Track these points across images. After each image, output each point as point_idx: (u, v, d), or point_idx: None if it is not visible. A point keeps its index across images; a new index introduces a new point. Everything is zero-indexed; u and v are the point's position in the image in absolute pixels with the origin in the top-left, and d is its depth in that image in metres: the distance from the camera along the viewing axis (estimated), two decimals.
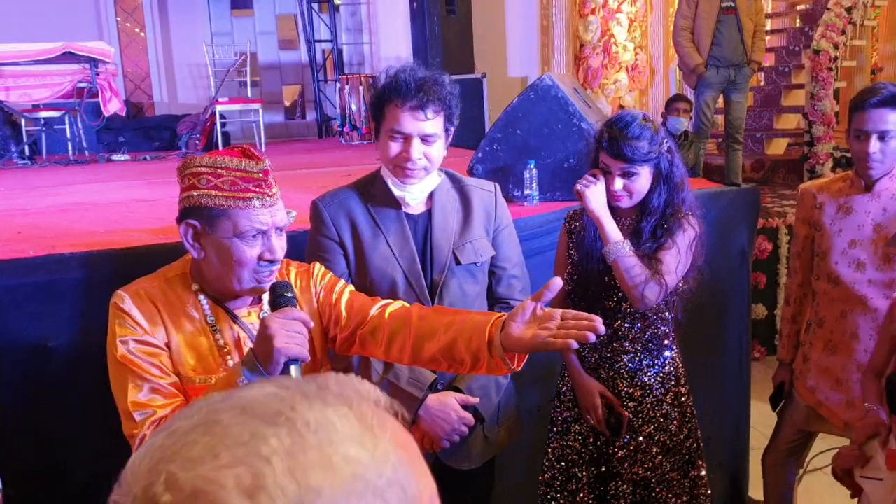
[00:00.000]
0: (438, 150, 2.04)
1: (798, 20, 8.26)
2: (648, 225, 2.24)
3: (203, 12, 9.84)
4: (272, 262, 1.64)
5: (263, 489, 0.48)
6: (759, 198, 3.60)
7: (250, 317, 1.73)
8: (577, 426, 2.45)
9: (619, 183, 2.20)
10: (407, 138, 1.99)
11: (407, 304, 1.80)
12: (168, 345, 1.65)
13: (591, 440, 2.43)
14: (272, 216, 1.61)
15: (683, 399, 2.43)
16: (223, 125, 7.57)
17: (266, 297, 1.70)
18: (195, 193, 1.59)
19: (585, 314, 1.51)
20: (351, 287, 1.84)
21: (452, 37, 7.58)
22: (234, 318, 1.71)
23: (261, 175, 1.59)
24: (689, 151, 5.70)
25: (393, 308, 1.77)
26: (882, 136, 2.51)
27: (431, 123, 1.99)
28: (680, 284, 2.32)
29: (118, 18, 9.76)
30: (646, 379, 2.38)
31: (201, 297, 1.69)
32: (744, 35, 5.91)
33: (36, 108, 7.09)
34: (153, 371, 1.61)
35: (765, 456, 3.08)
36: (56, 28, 8.05)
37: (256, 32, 10.10)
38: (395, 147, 2.01)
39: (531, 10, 8.49)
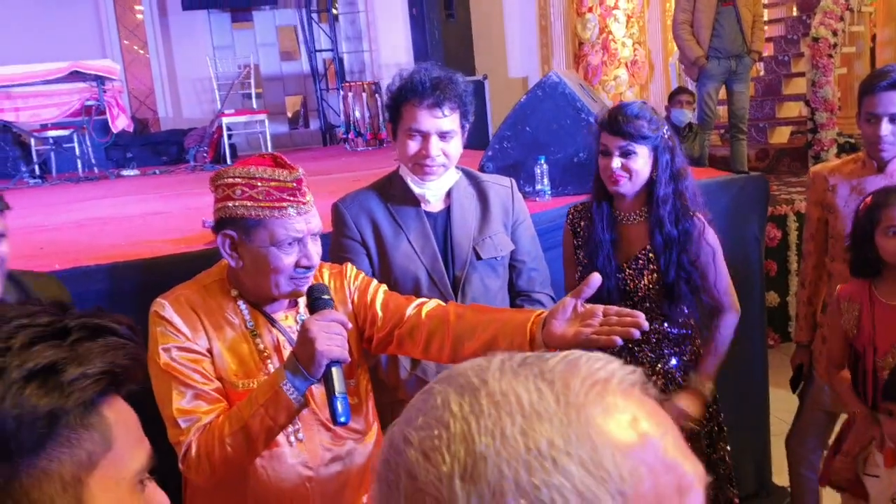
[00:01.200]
0: (456, 146, 2.09)
1: (795, 9, 8.29)
2: (666, 212, 2.27)
3: (204, 27, 9.92)
4: (309, 268, 1.66)
5: (437, 450, 0.53)
6: (768, 185, 3.63)
7: (287, 320, 1.75)
8: None
9: (617, 161, 2.24)
10: (425, 136, 2.04)
11: (442, 303, 1.82)
12: (210, 350, 1.66)
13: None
14: (307, 223, 1.63)
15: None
16: (229, 137, 7.63)
17: (302, 300, 1.72)
18: (230, 204, 1.61)
19: (627, 310, 1.53)
20: (384, 287, 1.87)
21: (452, 40, 7.64)
22: (273, 322, 1.73)
23: (294, 184, 1.61)
24: (694, 143, 5.74)
25: (429, 307, 1.78)
26: (893, 119, 2.55)
27: (448, 120, 2.04)
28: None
29: (121, 37, 9.84)
30: (667, 367, 2.41)
31: (240, 302, 1.71)
32: (743, 26, 5.94)
33: (45, 127, 7.18)
34: (196, 377, 1.63)
35: (788, 439, 3.10)
36: (60, 49, 8.11)
37: (258, 44, 10.17)
38: (413, 145, 2.05)
39: (529, 11, 8.54)
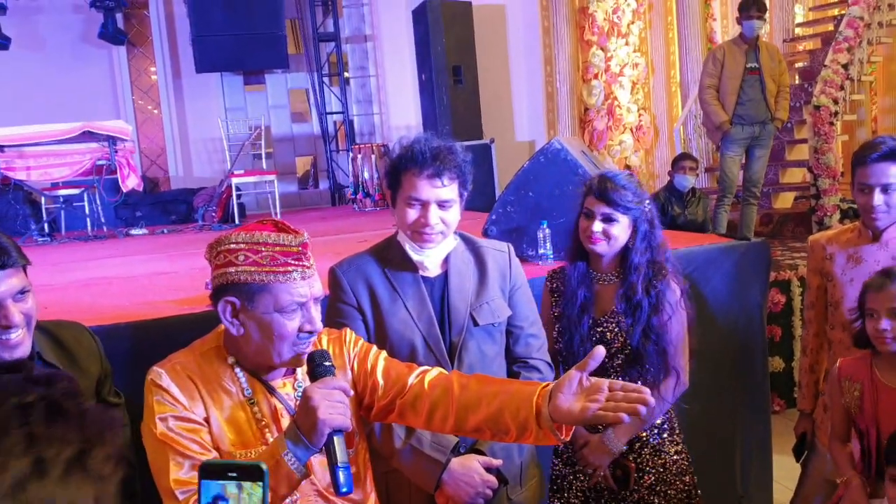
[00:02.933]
0: (454, 214, 2.11)
1: (797, 77, 8.42)
2: (640, 279, 2.35)
3: (217, 89, 10.12)
4: (312, 332, 1.64)
5: None
6: (770, 251, 3.65)
7: (286, 388, 1.72)
8: (577, 482, 2.47)
9: (598, 225, 2.34)
10: (424, 205, 2.06)
11: (444, 371, 1.81)
12: (207, 420, 1.63)
13: (593, 496, 2.45)
14: (311, 287, 1.62)
15: (679, 447, 2.48)
16: (238, 197, 7.73)
17: (301, 367, 1.69)
18: (232, 270, 1.59)
19: (632, 385, 1.53)
20: (384, 353, 1.85)
21: (460, 105, 7.77)
22: (271, 390, 1.70)
23: (300, 248, 1.60)
24: (697, 208, 5.78)
25: (432, 376, 1.77)
26: (885, 189, 2.60)
27: (447, 190, 2.06)
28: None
29: (135, 97, 10.06)
30: (644, 430, 2.43)
31: (237, 369, 1.68)
32: (766, 95, 6.07)
33: (55, 186, 7.27)
34: (194, 447, 1.59)
35: None
36: (75, 108, 8.31)
37: (269, 106, 10.36)
38: (412, 213, 2.07)
39: (536, 77, 8.70)
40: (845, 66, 6.95)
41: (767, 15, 8.90)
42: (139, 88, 10.09)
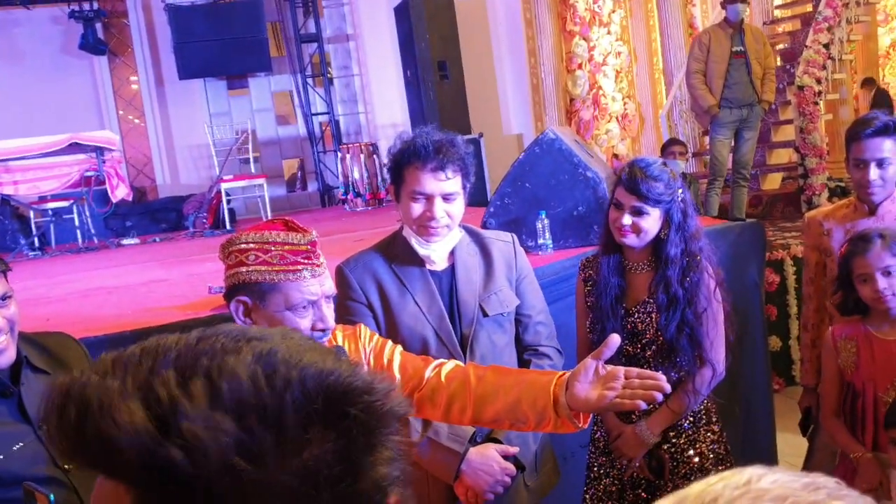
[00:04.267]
0: (459, 207, 2.12)
1: (779, 59, 8.48)
2: (675, 274, 2.28)
3: (200, 95, 10.08)
4: (324, 330, 1.65)
5: None
6: (765, 231, 3.69)
7: None
8: (614, 472, 2.47)
9: (628, 218, 2.26)
10: (429, 198, 2.07)
11: (460, 364, 1.82)
12: None
13: (629, 486, 2.45)
14: (321, 286, 1.64)
15: (716, 437, 2.44)
16: (228, 202, 7.71)
17: None
18: (244, 270, 1.61)
19: (649, 372, 1.55)
20: (399, 348, 1.86)
21: (447, 100, 7.77)
22: None
23: (309, 246, 1.62)
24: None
25: (448, 369, 1.77)
26: (880, 164, 2.64)
27: (451, 183, 2.07)
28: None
29: (118, 107, 10.01)
30: (678, 420, 2.42)
31: None
32: (753, 77, 6.13)
33: (44, 199, 7.22)
34: None
35: None
36: (59, 121, 8.25)
37: (254, 110, 10.32)
38: (418, 208, 2.08)
39: (521, 70, 8.73)
40: (826, 46, 7.01)
41: None
42: (122, 98, 10.04)
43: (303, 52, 10.08)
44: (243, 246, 1.62)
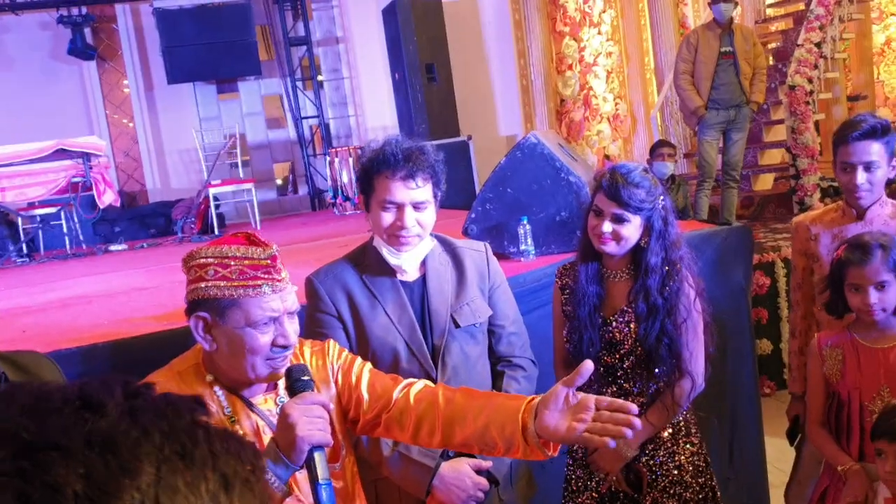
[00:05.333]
0: (430, 215, 2.08)
1: (771, 58, 8.44)
2: (655, 283, 2.24)
3: (190, 99, 10.03)
4: (285, 347, 1.61)
5: None
6: (752, 235, 3.65)
7: (266, 404, 1.69)
8: (592, 484, 2.42)
9: (608, 226, 2.22)
10: (400, 207, 2.03)
11: (430, 384, 1.78)
12: None
13: (608, 499, 2.41)
14: (283, 301, 1.59)
15: (696, 449, 2.39)
16: (217, 207, 7.65)
17: (282, 382, 1.67)
18: (203, 285, 1.57)
19: (619, 402, 1.51)
20: (368, 365, 1.83)
21: (435, 103, 7.74)
22: (251, 407, 1.67)
23: (269, 261, 1.58)
24: (677, 195, 5.78)
25: (417, 390, 1.74)
26: (867, 167, 2.59)
27: (422, 191, 2.04)
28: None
29: (107, 112, 9.95)
30: (657, 433, 2.37)
31: (216, 387, 1.65)
32: (741, 78, 6.10)
33: (32, 205, 7.18)
34: None
35: (787, 491, 3.05)
36: (49, 127, 8.20)
37: (244, 114, 10.27)
38: (388, 217, 2.05)
39: (510, 71, 8.68)
40: (818, 45, 6.97)
41: None
42: (112, 103, 9.99)
43: (292, 55, 10.03)
44: (202, 260, 1.59)
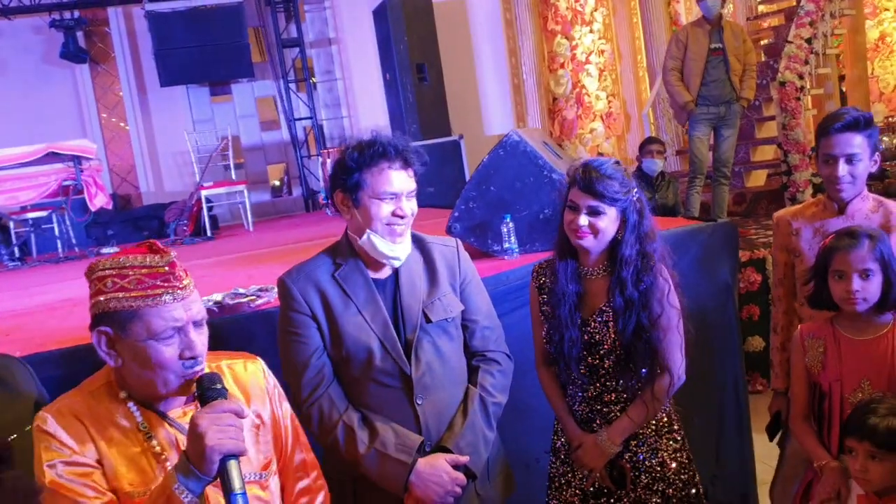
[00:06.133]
0: (415, 205, 2.13)
1: (763, 55, 8.43)
2: (629, 274, 2.23)
3: (183, 101, 10.04)
4: (193, 358, 1.56)
5: None
6: (737, 231, 3.63)
7: (186, 416, 1.61)
8: (576, 481, 2.42)
9: (584, 219, 2.20)
10: (398, 197, 2.07)
11: None
12: (100, 461, 1.54)
13: (592, 495, 2.39)
14: (186, 310, 1.55)
15: (678, 445, 2.39)
16: (210, 209, 7.65)
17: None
18: (102, 298, 1.52)
19: None
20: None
21: (426, 102, 7.74)
22: (169, 421, 1.62)
23: (167, 268, 1.53)
24: (667, 192, 5.77)
25: None
26: (849, 160, 2.58)
27: (413, 180, 2.11)
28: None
29: (101, 115, 9.96)
30: (639, 429, 2.36)
31: (130, 404, 1.59)
32: (731, 75, 6.09)
33: (24, 209, 7.17)
34: (87, 492, 1.51)
35: (772, 489, 3.04)
36: (42, 131, 8.22)
37: (237, 116, 10.28)
38: (388, 207, 2.06)
39: (502, 70, 8.68)
40: (808, 41, 6.96)
41: None
42: (105, 106, 9.99)
43: (285, 56, 10.03)
44: (101, 273, 1.54)
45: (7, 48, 9.58)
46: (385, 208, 2.06)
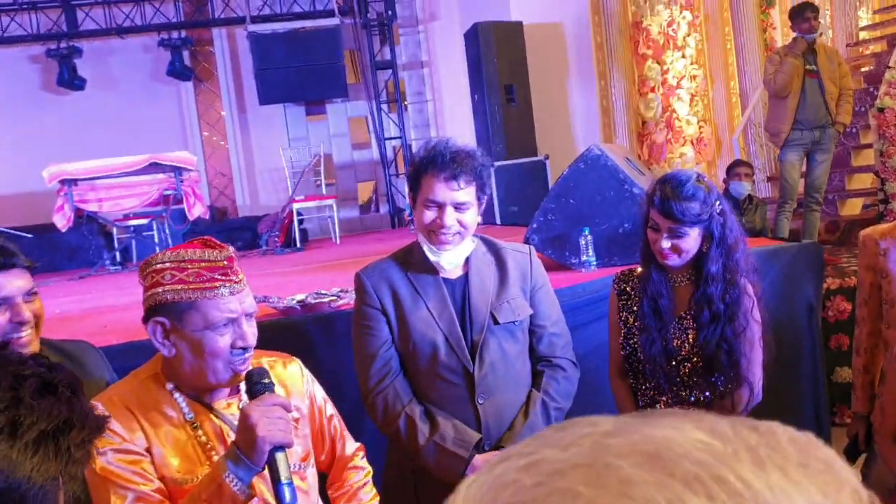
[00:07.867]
0: (472, 216, 2.14)
1: (863, 81, 8.18)
2: (717, 291, 2.21)
3: (280, 120, 10.39)
4: (245, 349, 1.61)
5: None
6: (822, 252, 3.55)
7: (230, 408, 1.69)
8: None
9: (666, 242, 2.20)
10: (441, 206, 2.10)
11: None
12: (149, 450, 1.60)
13: None
14: (240, 303, 1.60)
15: None
16: (301, 222, 7.88)
17: (243, 386, 1.66)
18: (160, 290, 1.57)
19: None
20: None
21: (513, 123, 7.80)
22: (214, 412, 1.67)
23: (225, 262, 1.58)
24: (754, 215, 5.65)
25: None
26: None
27: (464, 192, 2.10)
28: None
29: (203, 132, 10.41)
30: None
31: (177, 395, 1.65)
32: (826, 98, 5.93)
33: (126, 217, 7.54)
34: (136, 479, 1.56)
35: None
36: (147, 143, 8.62)
37: (331, 135, 10.57)
38: (429, 215, 2.12)
39: (591, 93, 8.67)
40: None
41: (829, 19, 8.71)
42: (207, 122, 10.44)
43: (378, 78, 10.28)
44: (159, 266, 1.59)
45: (119, 64, 10.13)
46: (427, 216, 2.12)
